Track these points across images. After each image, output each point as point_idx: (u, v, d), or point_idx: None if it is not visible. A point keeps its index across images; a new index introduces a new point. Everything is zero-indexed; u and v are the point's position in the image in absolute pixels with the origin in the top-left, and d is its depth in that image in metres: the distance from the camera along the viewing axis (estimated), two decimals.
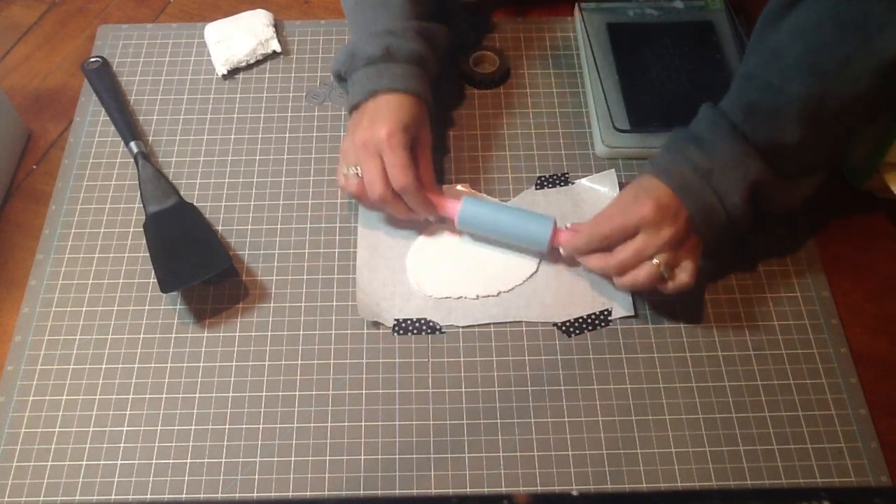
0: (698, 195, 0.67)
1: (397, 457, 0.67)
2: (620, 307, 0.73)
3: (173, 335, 0.73)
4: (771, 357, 0.71)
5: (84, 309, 0.74)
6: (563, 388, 0.70)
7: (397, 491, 0.65)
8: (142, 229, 0.78)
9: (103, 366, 0.71)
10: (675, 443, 0.67)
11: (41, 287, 0.75)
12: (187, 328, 0.73)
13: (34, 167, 0.85)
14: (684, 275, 0.68)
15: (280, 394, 0.70)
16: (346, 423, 0.68)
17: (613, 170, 0.81)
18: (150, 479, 0.66)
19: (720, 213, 0.68)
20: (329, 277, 0.76)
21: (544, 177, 0.82)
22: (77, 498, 0.65)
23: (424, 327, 0.73)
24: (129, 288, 0.75)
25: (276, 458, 0.67)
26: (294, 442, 0.68)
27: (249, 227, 0.79)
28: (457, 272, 0.76)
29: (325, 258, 0.77)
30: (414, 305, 0.74)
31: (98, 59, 0.90)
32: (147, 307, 0.74)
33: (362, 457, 0.67)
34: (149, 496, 0.65)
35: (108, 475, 0.66)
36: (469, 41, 0.91)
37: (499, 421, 0.68)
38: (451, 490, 0.65)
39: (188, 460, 0.67)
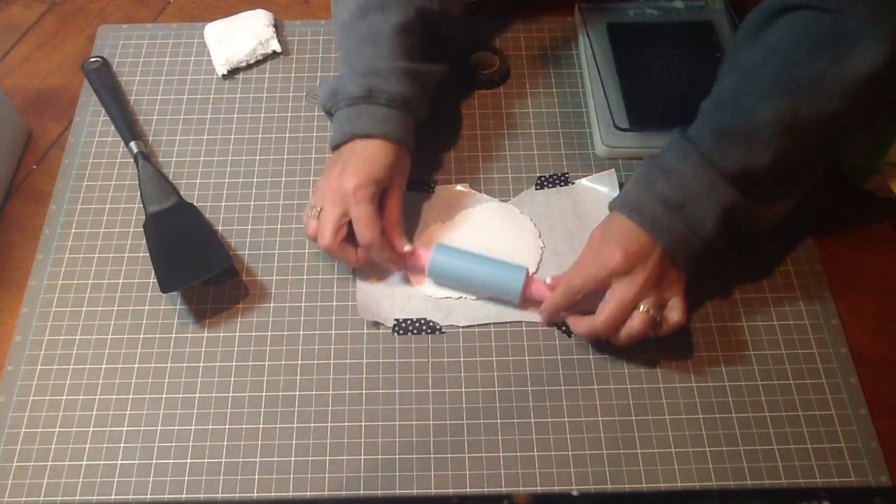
0: (671, 229, 0.66)
1: (397, 457, 0.67)
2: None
3: (173, 335, 0.73)
4: (771, 357, 0.71)
5: (84, 309, 0.74)
6: (563, 388, 0.70)
7: (397, 491, 0.65)
8: (142, 229, 0.78)
9: (103, 366, 0.71)
10: (675, 443, 0.67)
11: (41, 287, 0.75)
12: (187, 328, 0.73)
13: (34, 167, 0.85)
14: (675, 314, 0.67)
15: (280, 394, 0.70)
16: (346, 423, 0.68)
17: (613, 170, 0.81)
18: (150, 479, 0.66)
19: (694, 244, 0.67)
20: (329, 277, 0.76)
21: (544, 177, 0.82)
22: (77, 498, 0.65)
23: (424, 327, 0.73)
24: (129, 288, 0.75)
25: (276, 458, 0.67)
26: (294, 442, 0.68)
27: (249, 227, 0.79)
28: None
29: (325, 258, 0.77)
30: (414, 305, 0.74)
31: (98, 59, 0.90)
32: (147, 307, 0.74)
33: (362, 457, 0.67)
34: (149, 496, 0.65)
35: (108, 475, 0.66)
36: (469, 41, 0.91)
37: (499, 421, 0.69)
38: (451, 490, 0.65)
39: (188, 460, 0.67)
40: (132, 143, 0.83)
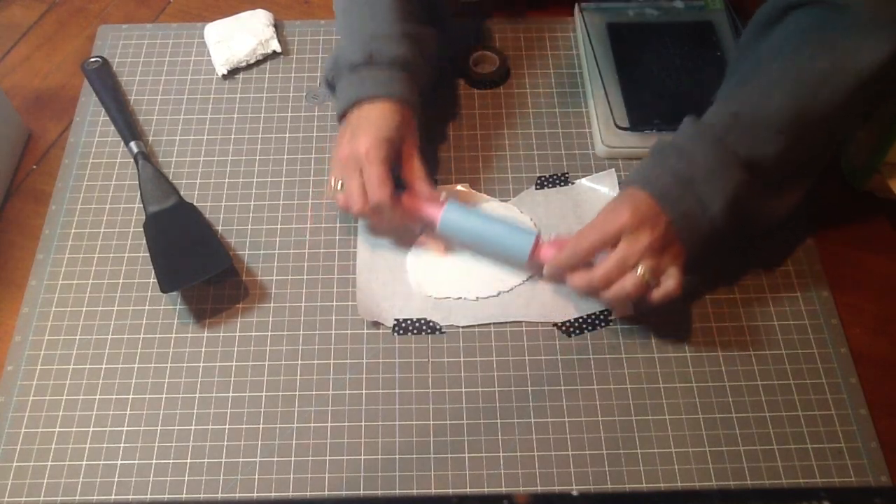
0: (679, 202, 0.67)
1: (397, 457, 0.67)
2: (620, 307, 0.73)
3: (173, 335, 0.73)
4: (771, 357, 0.71)
5: (84, 309, 0.74)
6: (563, 388, 0.70)
7: (397, 491, 0.65)
8: (142, 229, 0.78)
9: (103, 366, 0.71)
10: (675, 443, 0.67)
11: (41, 287, 0.75)
12: (187, 328, 0.73)
13: (34, 167, 0.85)
14: (671, 281, 0.67)
15: (280, 394, 0.70)
16: (346, 423, 0.68)
17: (613, 170, 0.81)
18: (150, 479, 0.66)
19: (702, 222, 0.67)
20: (329, 277, 0.76)
21: (544, 177, 0.82)
22: (77, 498, 0.65)
23: (424, 327, 0.73)
24: (129, 288, 0.75)
25: (276, 458, 0.67)
26: (294, 442, 0.68)
27: (249, 227, 0.79)
28: (457, 272, 0.76)
29: (325, 258, 0.77)
30: (414, 306, 0.74)
31: (98, 59, 0.90)
32: (147, 307, 0.74)
33: (362, 457, 0.67)
34: (149, 496, 0.65)
35: (108, 475, 0.66)
36: (469, 41, 0.91)
37: (499, 421, 0.68)
38: (451, 490, 0.65)
39: (188, 460, 0.67)
40: (132, 143, 0.83)
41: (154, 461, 0.67)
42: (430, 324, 0.73)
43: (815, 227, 0.79)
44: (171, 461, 0.67)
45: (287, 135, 0.85)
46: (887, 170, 0.76)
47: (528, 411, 0.69)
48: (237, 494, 0.65)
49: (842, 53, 0.64)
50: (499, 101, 0.88)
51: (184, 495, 0.65)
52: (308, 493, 0.65)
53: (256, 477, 0.66)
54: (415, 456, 0.67)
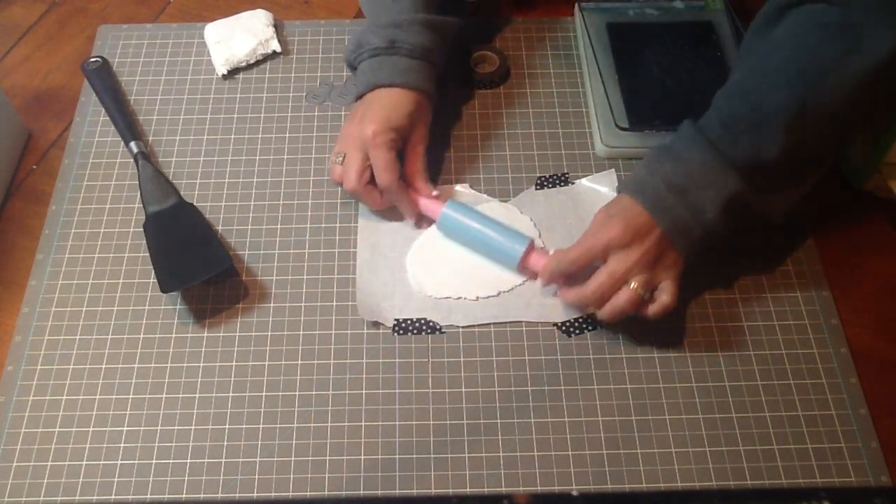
0: (672, 212, 0.66)
1: (397, 457, 0.67)
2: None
3: (173, 335, 0.73)
4: (771, 357, 0.71)
5: (84, 309, 0.74)
6: (563, 388, 0.70)
7: (397, 491, 0.65)
8: (142, 229, 0.78)
9: (103, 366, 0.71)
10: (675, 443, 0.67)
11: (41, 287, 0.75)
12: (187, 328, 0.73)
13: (34, 167, 0.85)
14: (665, 295, 0.67)
15: (280, 394, 0.70)
16: (346, 423, 0.68)
17: (613, 170, 0.81)
18: (150, 479, 0.66)
19: (695, 229, 0.67)
20: (329, 277, 0.76)
21: (544, 177, 0.82)
22: (77, 498, 0.65)
23: (424, 327, 0.73)
24: (129, 288, 0.75)
25: (276, 458, 0.67)
26: (294, 442, 0.68)
27: (249, 227, 0.79)
28: (457, 272, 0.76)
29: (325, 258, 0.77)
30: (414, 306, 0.74)
31: (98, 59, 0.90)
32: (147, 307, 0.74)
33: (362, 457, 0.67)
34: (149, 496, 0.65)
35: (108, 475, 0.66)
36: (469, 41, 0.91)
37: (499, 421, 0.68)
38: (451, 490, 0.65)
39: (188, 460, 0.67)
40: (132, 143, 0.83)
41: (154, 461, 0.67)
42: (430, 324, 0.73)
43: (815, 227, 0.79)
44: (171, 461, 0.67)
45: (287, 135, 0.85)
46: (887, 170, 0.76)
47: (528, 411, 0.69)
48: (237, 494, 0.65)
49: (844, 48, 0.63)
50: (499, 101, 0.88)
51: (184, 495, 0.65)
52: (308, 493, 0.65)
53: (256, 477, 0.66)
54: (415, 456, 0.67)
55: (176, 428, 0.68)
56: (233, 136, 0.85)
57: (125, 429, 0.68)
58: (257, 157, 0.84)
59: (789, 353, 0.72)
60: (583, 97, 0.88)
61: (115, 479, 0.66)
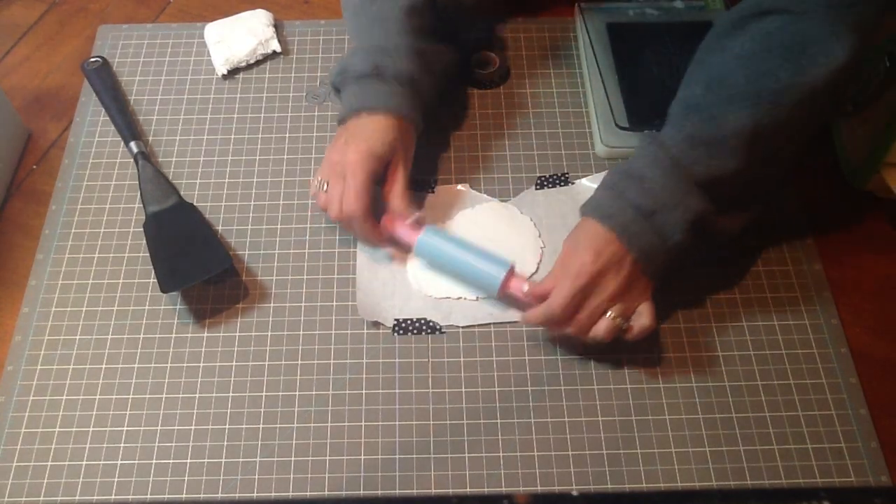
0: (641, 238, 0.66)
1: (397, 457, 0.67)
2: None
3: (173, 335, 0.73)
4: (771, 357, 0.71)
5: (84, 309, 0.74)
6: (563, 388, 0.70)
7: (397, 491, 0.65)
8: (142, 229, 0.78)
9: (103, 366, 0.71)
10: (675, 443, 0.67)
11: (41, 287, 0.75)
12: (187, 328, 0.73)
13: (34, 167, 0.85)
14: (644, 318, 0.67)
15: (280, 394, 0.70)
16: (346, 423, 0.68)
17: None
18: (150, 479, 0.66)
19: (662, 252, 0.67)
20: (329, 277, 0.76)
21: (544, 177, 0.82)
22: (77, 498, 0.65)
23: (424, 327, 0.73)
24: (129, 288, 0.75)
25: (276, 458, 0.67)
26: (294, 442, 0.68)
27: (249, 227, 0.79)
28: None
29: (325, 258, 0.77)
30: (414, 305, 0.74)
31: (98, 59, 0.90)
32: (147, 307, 0.74)
33: (362, 457, 0.67)
34: (149, 496, 0.65)
35: (108, 475, 0.66)
36: (469, 41, 0.91)
37: (499, 421, 0.68)
38: (451, 490, 0.65)
39: (188, 460, 0.67)
40: (132, 143, 0.83)
41: (154, 461, 0.67)
42: (430, 324, 0.73)
43: (815, 227, 0.79)
44: (171, 461, 0.67)
45: (287, 135, 0.85)
46: (887, 170, 0.76)
47: (528, 411, 0.69)
48: (237, 494, 0.65)
49: (802, 64, 0.63)
50: (499, 101, 0.88)
51: (184, 495, 0.65)
52: (308, 493, 0.65)
53: (256, 477, 0.66)
54: (415, 456, 0.67)
55: (176, 428, 0.68)
56: (233, 136, 0.85)
57: (125, 429, 0.68)
58: (257, 157, 0.84)
59: (789, 353, 0.72)
60: (583, 97, 0.88)
61: (115, 479, 0.66)
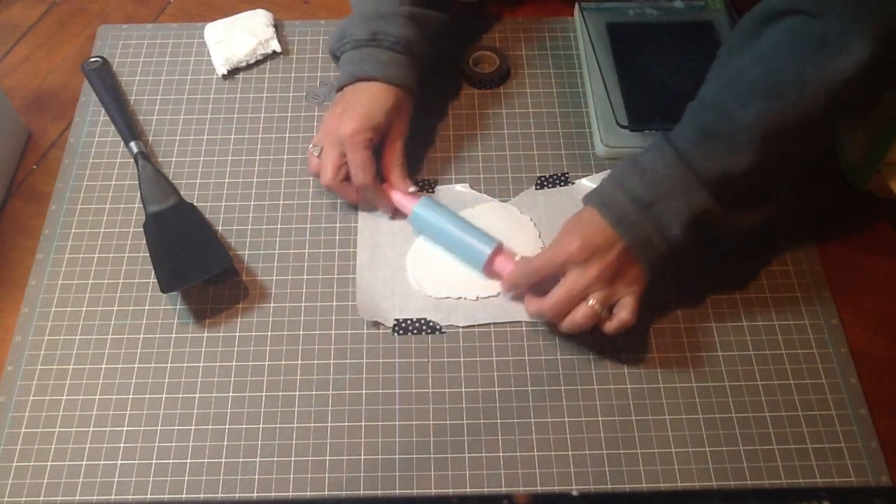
0: (636, 227, 0.66)
1: (397, 457, 0.67)
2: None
3: (173, 335, 0.73)
4: (771, 357, 0.71)
5: (84, 309, 0.74)
6: (563, 388, 0.70)
7: (397, 491, 0.65)
8: (142, 229, 0.78)
9: (103, 366, 0.71)
10: (675, 443, 0.67)
11: (41, 287, 0.75)
12: (187, 328, 0.73)
13: (34, 167, 0.85)
14: (624, 312, 0.67)
15: (280, 394, 0.70)
16: (346, 423, 0.68)
17: None
18: (150, 479, 0.66)
19: (660, 245, 0.67)
20: (329, 277, 0.76)
21: (544, 177, 0.82)
22: (77, 498, 0.65)
23: (424, 327, 0.73)
24: (129, 288, 0.75)
25: (276, 458, 0.67)
26: (294, 442, 0.68)
27: (249, 227, 0.79)
28: (457, 272, 0.76)
29: (325, 258, 0.77)
30: (414, 305, 0.74)
31: (98, 59, 0.90)
32: (147, 307, 0.74)
33: (362, 457, 0.67)
34: (149, 496, 0.65)
35: (108, 475, 0.66)
36: (469, 41, 0.91)
37: (499, 421, 0.69)
38: (451, 490, 0.65)
39: (188, 460, 0.67)
40: (132, 143, 0.83)
41: (154, 461, 0.67)
42: (430, 324, 0.73)
43: (815, 227, 0.79)
44: (171, 461, 0.67)
45: (287, 135, 0.85)
46: (887, 170, 0.76)
47: (528, 411, 0.69)
48: (237, 494, 0.66)
49: (819, 62, 0.63)
50: (499, 101, 0.88)
51: (184, 495, 0.65)
52: (308, 493, 0.65)
53: (256, 477, 0.66)
54: (415, 456, 0.67)
55: (176, 428, 0.68)
56: (233, 136, 0.85)
57: (125, 429, 0.68)
58: (257, 157, 0.84)
59: (789, 353, 0.72)
60: (583, 97, 0.88)
61: (115, 479, 0.66)
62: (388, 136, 0.77)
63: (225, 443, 0.68)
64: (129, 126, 0.84)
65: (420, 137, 0.83)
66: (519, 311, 0.74)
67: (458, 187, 0.82)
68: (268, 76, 0.90)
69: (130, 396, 0.70)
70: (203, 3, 0.98)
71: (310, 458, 0.67)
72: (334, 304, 0.75)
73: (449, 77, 0.89)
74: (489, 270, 0.74)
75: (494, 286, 0.75)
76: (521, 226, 0.78)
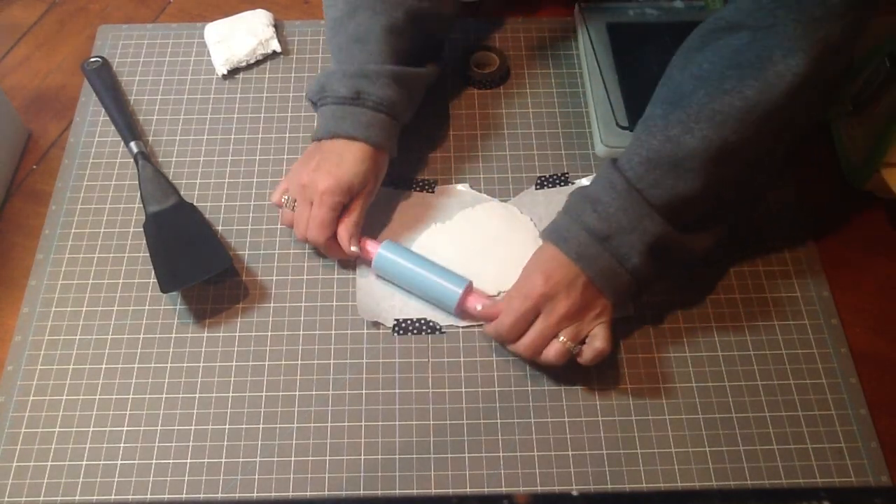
0: (597, 260, 0.66)
1: (397, 457, 0.67)
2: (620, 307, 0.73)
3: (173, 335, 0.73)
4: (771, 357, 0.71)
5: (84, 309, 0.74)
6: (563, 388, 0.70)
7: (397, 491, 0.65)
8: (142, 229, 0.78)
9: (103, 366, 0.71)
10: (675, 443, 0.67)
11: (41, 287, 0.75)
12: (187, 328, 0.73)
13: (34, 167, 0.85)
14: (598, 342, 0.67)
15: (280, 394, 0.70)
16: (346, 423, 0.68)
17: None
18: (150, 479, 0.66)
19: (622, 275, 0.67)
20: (329, 277, 0.76)
21: (544, 177, 0.82)
22: (77, 498, 0.65)
23: (424, 327, 0.73)
24: (129, 288, 0.75)
25: (276, 458, 0.67)
26: (294, 442, 0.68)
27: (249, 227, 0.79)
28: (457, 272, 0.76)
29: (324, 258, 0.77)
30: (414, 305, 0.74)
31: (98, 59, 0.90)
32: (147, 307, 0.74)
33: (362, 457, 0.67)
34: (149, 496, 0.65)
35: (108, 475, 0.66)
36: (469, 41, 0.91)
37: (499, 421, 0.69)
38: (451, 490, 0.65)
39: (188, 460, 0.67)
40: (132, 143, 0.83)
41: (154, 461, 0.67)
42: (430, 324, 0.73)
43: (815, 227, 0.79)
44: (171, 461, 0.67)
45: (287, 135, 0.85)
46: (887, 170, 0.76)
47: (528, 411, 0.69)
48: (237, 494, 0.66)
49: (762, 83, 0.62)
50: (499, 101, 0.88)
51: (184, 495, 0.65)
52: (308, 493, 0.65)
53: (256, 477, 0.66)
54: (415, 456, 0.67)
55: (176, 428, 0.68)
56: (233, 136, 0.85)
57: (125, 429, 0.68)
58: (257, 157, 0.84)
59: (789, 353, 0.72)
60: (583, 97, 0.88)
61: (115, 479, 0.66)
62: (359, 194, 0.74)
63: (225, 443, 0.68)
64: (129, 126, 0.84)
65: (420, 137, 0.83)
66: None
67: (459, 187, 0.82)
68: (268, 76, 0.90)
69: (130, 396, 0.70)
70: (203, 2, 0.98)
71: (310, 458, 0.67)
72: (334, 304, 0.75)
73: (449, 77, 0.89)
74: (461, 310, 0.73)
75: (494, 286, 0.74)
76: (521, 226, 0.78)
